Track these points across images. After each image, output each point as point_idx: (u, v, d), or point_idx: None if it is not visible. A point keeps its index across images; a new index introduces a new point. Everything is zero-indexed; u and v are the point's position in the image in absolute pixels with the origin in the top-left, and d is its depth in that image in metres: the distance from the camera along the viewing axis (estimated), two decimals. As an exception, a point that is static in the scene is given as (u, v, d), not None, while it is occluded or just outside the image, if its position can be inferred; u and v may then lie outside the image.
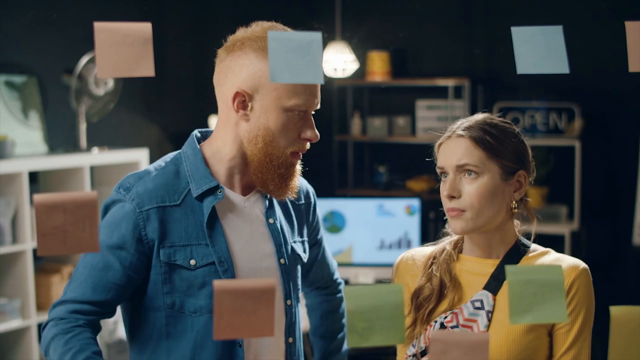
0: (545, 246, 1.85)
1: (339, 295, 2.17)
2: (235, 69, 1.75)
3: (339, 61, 4.68)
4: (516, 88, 5.31)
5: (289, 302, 1.88)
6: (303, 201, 1.99)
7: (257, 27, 1.79)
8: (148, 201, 1.76)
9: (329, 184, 5.75)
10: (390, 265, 1.94)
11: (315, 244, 2.07)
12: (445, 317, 1.76)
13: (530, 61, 1.14)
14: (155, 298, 1.79)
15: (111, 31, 1.06)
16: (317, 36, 1.10)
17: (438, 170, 1.80)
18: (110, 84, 4.13)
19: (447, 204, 1.76)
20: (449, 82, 5.31)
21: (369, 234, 4.50)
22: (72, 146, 4.13)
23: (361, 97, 5.85)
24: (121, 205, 1.77)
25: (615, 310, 1.02)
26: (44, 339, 1.78)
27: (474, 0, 5.49)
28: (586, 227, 5.06)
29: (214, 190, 1.79)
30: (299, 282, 1.95)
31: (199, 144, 1.85)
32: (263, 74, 1.72)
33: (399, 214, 4.49)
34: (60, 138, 4.21)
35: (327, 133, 5.80)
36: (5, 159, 3.61)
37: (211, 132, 1.89)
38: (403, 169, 5.57)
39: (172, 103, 4.90)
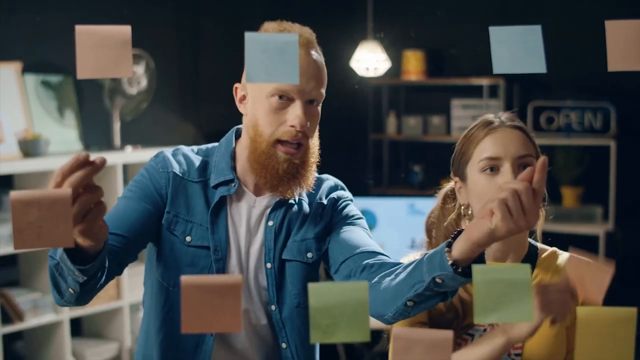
0: (580, 247, 1.72)
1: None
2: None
3: (370, 61, 4.69)
4: (551, 87, 5.25)
5: (273, 307, 1.83)
6: (324, 202, 1.89)
7: (266, 25, 1.81)
8: (171, 166, 1.82)
9: (364, 183, 5.76)
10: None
11: (337, 231, 1.86)
12: (485, 330, 1.71)
13: (507, 61, 1.14)
14: (152, 261, 1.86)
15: (91, 33, 1.09)
16: (293, 37, 1.12)
17: (485, 162, 1.67)
18: (143, 83, 4.19)
19: None
20: (484, 81, 5.28)
21: (400, 233, 4.50)
22: (107, 144, 4.21)
23: (396, 97, 5.85)
24: (148, 164, 1.85)
25: (581, 311, 1.02)
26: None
27: (511, -1, 5.46)
28: (621, 228, 4.99)
29: (228, 182, 1.82)
30: (298, 287, 1.85)
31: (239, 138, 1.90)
32: None
33: (430, 214, 4.48)
34: (95, 136, 4.29)
35: (363, 132, 5.81)
36: (39, 157, 3.69)
37: None
38: (438, 168, 5.55)
39: (207, 102, 4.95)
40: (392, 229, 4.52)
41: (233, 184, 1.82)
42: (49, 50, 4.05)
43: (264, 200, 1.85)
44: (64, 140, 4.06)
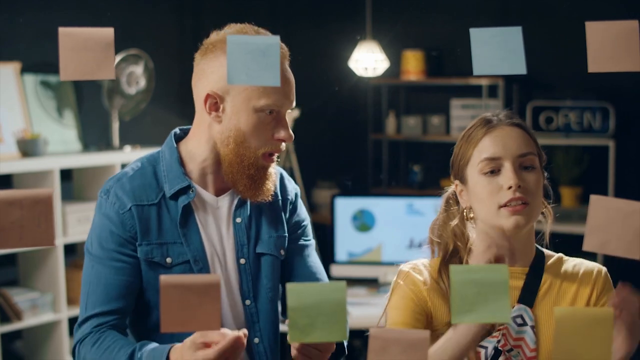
0: (579, 248, 1.64)
1: None
2: (207, 72, 1.78)
3: (369, 60, 4.69)
4: (551, 87, 5.25)
5: (247, 302, 1.86)
6: (279, 197, 1.94)
7: (229, 29, 1.83)
8: (127, 201, 1.78)
9: (364, 183, 5.76)
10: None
11: (296, 250, 1.97)
12: (499, 341, 1.61)
13: (487, 62, 1.15)
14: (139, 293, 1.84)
15: (74, 36, 1.10)
16: (275, 40, 1.12)
17: (485, 163, 1.63)
18: (142, 83, 4.21)
19: (507, 196, 1.59)
20: (484, 81, 5.28)
21: (399, 233, 4.50)
22: (105, 144, 4.23)
23: (396, 96, 5.85)
24: (104, 210, 1.80)
25: (558, 311, 1.03)
26: None
27: (510, -1, 5.46)
28: (620, 228, 4.98)
29: (186, 189, 1.81)
30: (272, 281, 1.90)
31: (179, 141, 1.88)
32: None
33: (429, 213, 4.48)
34: (94, 136, 4.30)
35: (362, 132, 5.82)
36: (37, 157, 3.71)
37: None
38: (437, 168, 5.56)
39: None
40: (390, 229, 4.52)
41: (191, 190, 1.81)
42: (48, 51, 4.06)
43: (226, 199, 1.87)
44: (62, 140, 4.08)
